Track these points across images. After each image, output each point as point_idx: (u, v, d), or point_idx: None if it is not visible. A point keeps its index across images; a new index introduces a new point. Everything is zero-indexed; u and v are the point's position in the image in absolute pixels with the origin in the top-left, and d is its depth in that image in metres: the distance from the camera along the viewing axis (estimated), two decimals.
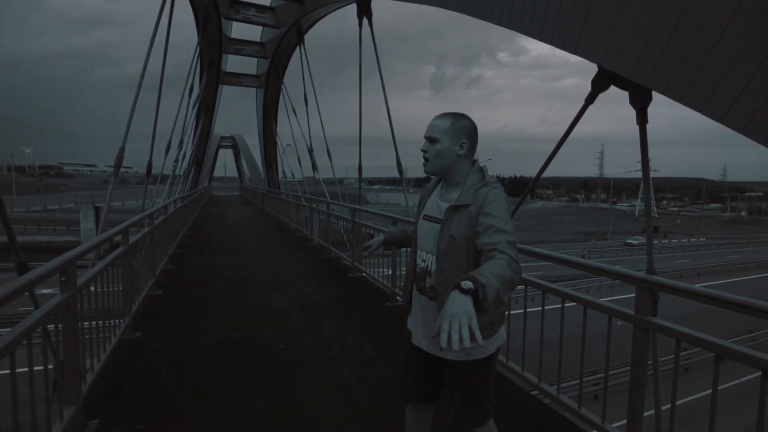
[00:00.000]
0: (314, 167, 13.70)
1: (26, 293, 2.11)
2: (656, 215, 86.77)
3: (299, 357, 3.78)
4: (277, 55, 15.20)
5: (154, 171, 8.56)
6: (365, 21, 7.81)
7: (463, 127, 1.72)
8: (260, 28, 15.26)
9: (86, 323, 2.98)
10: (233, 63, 17.27)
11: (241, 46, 15.48)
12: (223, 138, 38.76)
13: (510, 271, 1.36)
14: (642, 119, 3.51)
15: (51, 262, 2.42)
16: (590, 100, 3.81)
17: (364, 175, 10.54)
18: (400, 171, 7.79)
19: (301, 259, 8.32)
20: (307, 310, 5.02)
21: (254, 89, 19.03)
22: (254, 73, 18.20)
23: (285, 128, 18.86)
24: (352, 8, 8.50)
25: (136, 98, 6.59)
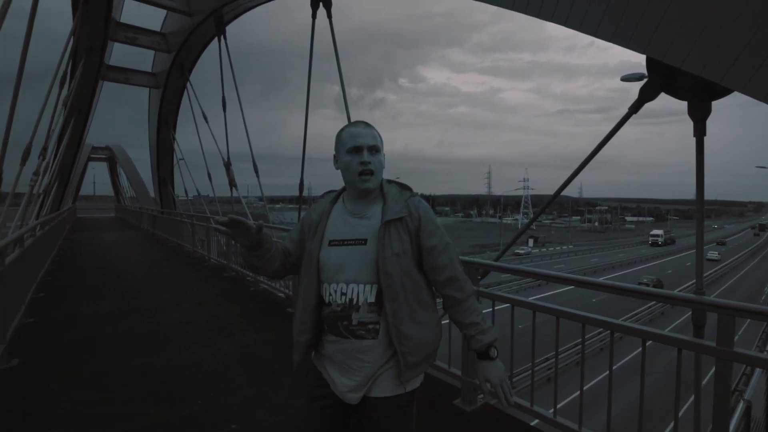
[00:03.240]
0: (232, 184, 11.88)
1: None
2: (534, 227, 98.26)
3: None
4: (184, 50, 12.74)
5: (4, 188, 6.25)
6: (322, 13, 6.64)
7: (381, 140, 1.60)
8: (161, 15, 12.71)
9: None
10: (120, 55, 14.45)
11: (135, 34, 12.48)
12: (95, 149, 33.23)
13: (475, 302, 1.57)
14: (700, 132, 3.24)
15: None
16: (634, 109, 3.50)
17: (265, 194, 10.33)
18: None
19: (218, 291, 6.76)
20: (252, 368, 3.75)
21: (145, 90, 16.07)
22: (149, 69, 15.38)
23: (184, 140, 16.59)
24: (264, 8, 7.44)
25: None
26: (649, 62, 3.20)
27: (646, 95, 3.39)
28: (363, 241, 1.50)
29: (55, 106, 8.66)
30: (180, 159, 17.17)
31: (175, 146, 16.22)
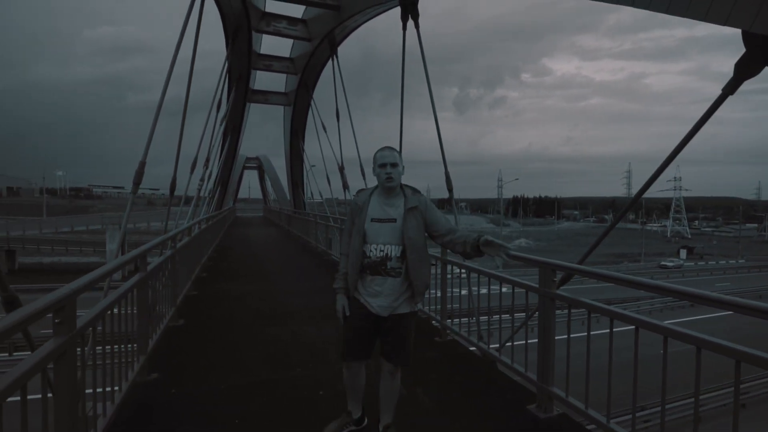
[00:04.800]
0: (345, 186, 13.15)
1: None
2: (689, 236, 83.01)
3: (342, 408, 3.12)
4: (307, 71, 14.73)
5: (178, 192, 8.12)
6: (411, 23, 7.20)
7: (401, 157, 2.53)
8: (289, 44, 14.97)
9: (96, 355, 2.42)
10: (261, 80, 17.11)
11: (270, 62, 15.02)
12: (248, 159, 39.14)
13: (466, 246, 2.39)
14: None
15: (43, 298, 1.87)
16: (730, 89, 3.05)
17: None
18: (450, 188, 7.04)
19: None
20: None
21: (281, 108, 18.75)
22: (282, 90, 18.00)
23: (311, 148, 18.63)
24: (380, 22, 8.10)
25: (158, 114, 6.23)
26: (746, 34, 2.80)
27: (745, 71, 2.92)
28: (393, 220, 2.46)
29: (214, 126, 10.82)
30: (312, 166, 19.36)
31: (304, 155, 18.41)
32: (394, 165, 2.45)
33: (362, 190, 2.68)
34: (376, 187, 2.59)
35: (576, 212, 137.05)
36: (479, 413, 3.07)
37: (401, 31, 7.50)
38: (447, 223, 2.53)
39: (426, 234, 2.53)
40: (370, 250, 2.44)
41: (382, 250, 2.42)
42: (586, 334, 2.82)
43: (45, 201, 68.33)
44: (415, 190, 2.53)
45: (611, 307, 2.75)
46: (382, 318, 2.46)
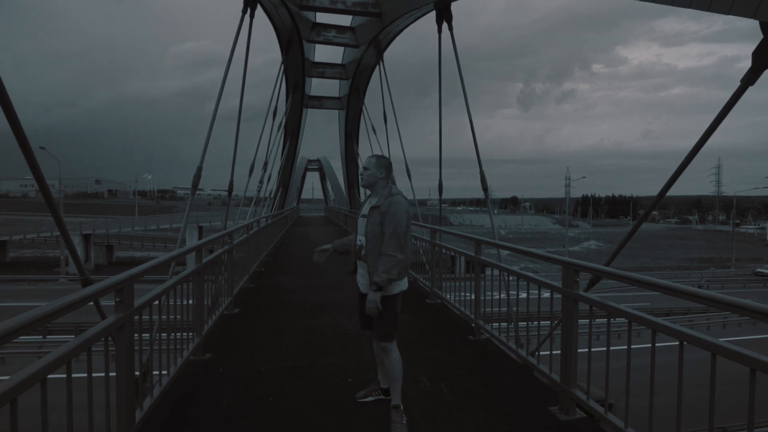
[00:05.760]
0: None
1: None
2: None
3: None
4: (357, 76, 15.36)
5: (241, 193, 8.84)
6: (445, 26, 7.35)
7: (382, 163, 3.01)
8: (341, 49, 15.63)
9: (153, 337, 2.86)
10: (318, 86, 17.98)
11: (323, 69, 15.87)
12: (310, 161, 40.92)
13: (390, 264, 2.77)
14: None
15: (108, 280, 2.30)
16: (750, 80, 2.84)
17: (446, 196, 10.30)
18: (485, 188, 7.02)
19: None
20: None
21: (338, 111, 19.58)
22: (337, 95, 18.76)
23: (366, 150, 19.12)
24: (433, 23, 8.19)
25: (212, 124, 6.86)
26: (764, 23, 2.56)
27: (764, 61, 2.70)
28: (365, 216, 2.96)
29: (270, 132, 11.62)
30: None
31: (358, 158, 18.99)
32: (366, 168, 3.01)
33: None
34: None
35: (655, 212, 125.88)
36: (499, 410, 3.13)
37: (462, 30, 7.58)
38: (387, 238, 2.80)
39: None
40: (358, 240, 3.01)
41: (360, 241, 2.98)
42: (608, 339, 2.76)
43: (137, 202, 76.26)
44: (391, 194, 2.90)
45: (636, 311, 2.61)
46: (363, 295, 2.99)
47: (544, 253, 3.25)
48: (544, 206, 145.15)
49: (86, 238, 37.97)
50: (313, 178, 54.88)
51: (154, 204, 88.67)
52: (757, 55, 2.75)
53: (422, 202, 13.26)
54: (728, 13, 2.54)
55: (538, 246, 61.62)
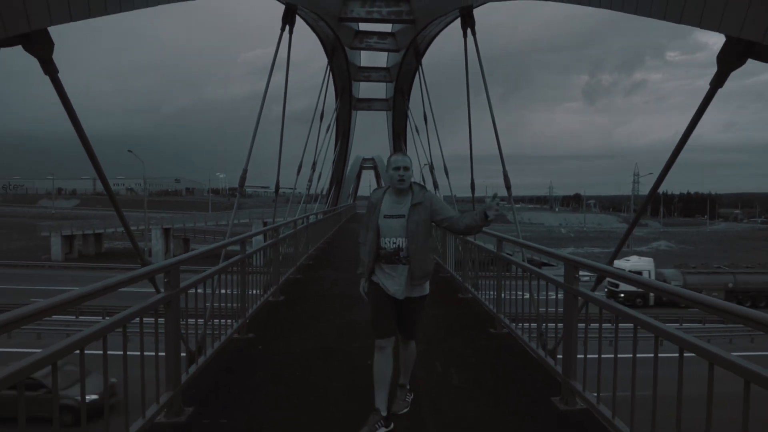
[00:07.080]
0: (435, 186, 13.70)
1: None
2: None
3: None
4: (400, 78, 15.90)
5: (293, 192, 9.47)
6: (470, 32, 7.40)
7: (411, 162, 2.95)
8: (387, 53, 16.15)
9: (199, 320, 3.39)
10: (369, 88, 18.60)
11: (369, 73, 16.70)
12: (365, 159, 41.80)
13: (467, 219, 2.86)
14: None
15: (158, 263, 2.82)
16: (718, 82, 2.94)
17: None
18: (508, 186, 7.04)
19: None
20: None
21: (385, 112, 20.12)
22: (384, 96, 19.27)
23: (413, 150, 19.37)
24: (497, 17, 8.28)
25: (257, 127, 7.50)
26: None
27: (728, 63, 2.75)
28: (402, 216, 2.84)
29: (318, 134, 12.33)
30: (425, 164, 20.04)
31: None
32: (406, 169, 2.82)
33: (377, 189, 3.10)
34: (389, 186, 2.95)
35: (737, 211, 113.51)
36: (502, 397, 3.34)
37: (518, 26, 7.82)
38: (450, 210, 2.93)
39: (433, 224, 2.94)
40: (385, 243, 2.82)
41: (395, 243, 2.80)
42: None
43: (210, 199, 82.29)
44: (422, 187, 2.91)
45: (638, 314, 2.53)
46: (399, 301, 2.84)
47: (549, 250, 3.36)
48: (611, 204, 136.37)
49: (166, 231, 43.84)
50: (369, 176, 55.95)
51: (225, 201, 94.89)
52: (721, 58, 2.84)
53: (480, 200, 13.00)
54: (699, 26, 2.64)
55: (600, 246, 58.20)
